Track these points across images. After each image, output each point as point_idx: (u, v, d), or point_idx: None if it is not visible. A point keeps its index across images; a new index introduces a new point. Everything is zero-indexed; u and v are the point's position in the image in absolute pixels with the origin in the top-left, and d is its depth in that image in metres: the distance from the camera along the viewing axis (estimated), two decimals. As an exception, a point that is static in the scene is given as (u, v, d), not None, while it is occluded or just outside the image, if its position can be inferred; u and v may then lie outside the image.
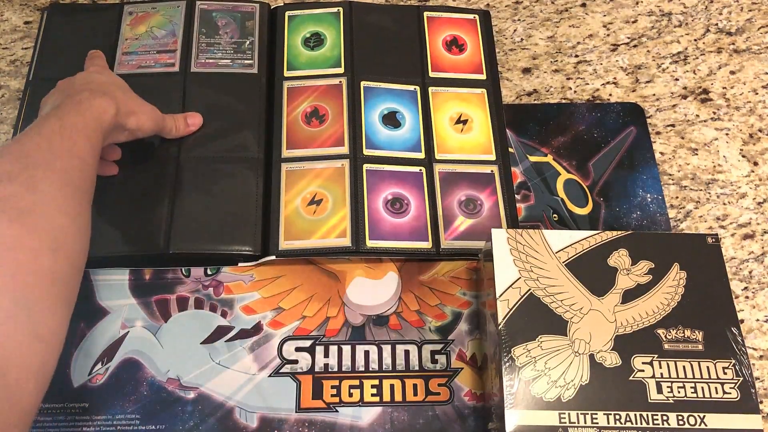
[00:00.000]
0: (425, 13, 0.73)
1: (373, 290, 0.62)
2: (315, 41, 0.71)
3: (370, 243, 0.61)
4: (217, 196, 0.62)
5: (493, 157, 0.66)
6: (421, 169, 0.65)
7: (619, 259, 0.54)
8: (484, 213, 0.63)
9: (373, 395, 0.57)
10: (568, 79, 0.73)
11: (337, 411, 0.56)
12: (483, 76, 0.70)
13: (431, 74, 0.70)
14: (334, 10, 0.72)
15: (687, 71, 0.73)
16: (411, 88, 0.69)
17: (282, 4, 0.74)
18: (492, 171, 0.65)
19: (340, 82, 0.68)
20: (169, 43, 0.69)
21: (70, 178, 0.46)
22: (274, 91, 0.68)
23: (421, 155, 0.66)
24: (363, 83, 0.68)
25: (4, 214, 0.40)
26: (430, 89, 0.69)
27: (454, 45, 0.72)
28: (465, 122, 0.68)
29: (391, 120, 0.67)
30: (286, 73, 0.69)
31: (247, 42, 0.70)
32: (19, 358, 0.38)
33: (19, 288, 0.39)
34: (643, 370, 0.50)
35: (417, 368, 0.58)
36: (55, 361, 0.41)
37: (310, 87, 0.68)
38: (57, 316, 0.41)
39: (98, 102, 0.52)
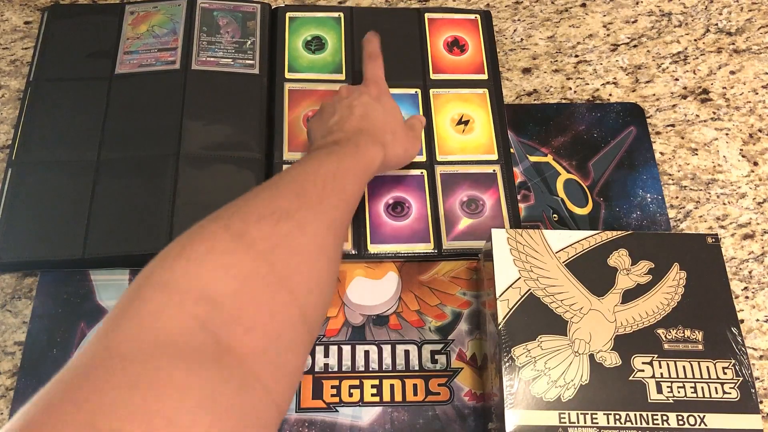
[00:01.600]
0: (426, 15, 0.73)
1: (373, 290, 0.62)
2: (316, 45, 0.71)
3: (372, 247, 0.61)
4: (219, 196, 0.62)
5: (495, 157, 0.66)
6: (422, 172, 0.65)
7: (619, 259, 0.54)
8: (486, 213, 0.63)
9: (373, 395, 0.57)
10: (568, 79, 0.73)
11: (337, 411, 0.56)
12: (485, 76, 0.70)
13: (432, 76, 0.70)
14: (335, 15, 0.72)
15: (687, 71, 0.73)
16: (412, 91, 0.69)
17: (283, 5, 0.74)
18: (494, 171, 0.65)
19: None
20: (170, 41, 0.69)
21: (334, 222, 0.46)
22: (275, 91, 0.68)
23: (423, 158, 0.66)
24: None
25: (279, 250, 0.39)
26: (432, 91, 0.69)
27: (455, 46, 0.72)
28: (466, 123, 0.68)
29: None
30: (287, 75, 0.69)
31: (249, 42, 0.70)
32: (282, 382, 0.38)
33: (275, 329, 0.38)
34: (643, 370, 0.50)
35: (417, 368, 0.58)
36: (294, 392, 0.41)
37: (311, 91, 0.68)
38: (301, 358, 0.41)
39: (372, 151, 0.53)
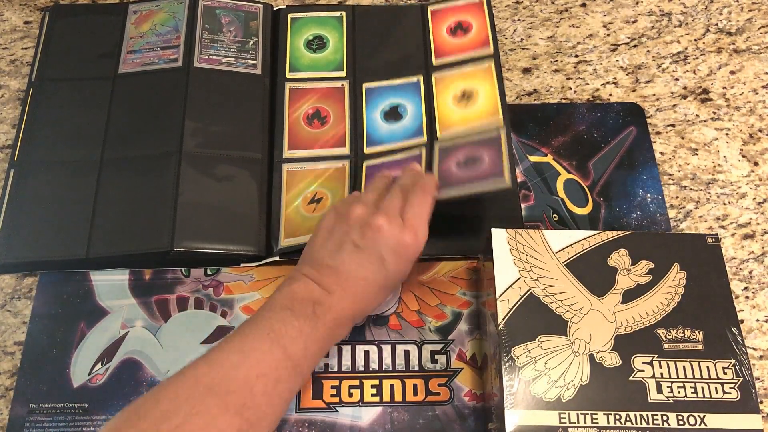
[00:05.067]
0: (429, 8, 0.72)
1: (373, 290, 0.61)
2: (317, 44, 0.71)
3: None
4: (220, 196, 0.62)
5: (499, 122, 0.62)
6: (420, 151, 0.64)
7: (619, 259, 0.54)
8: (485, 165, 0.59)
9: (373, 395, 0.57)
10: (568, 79, 0.73)
11: (337, 411, 0.56)
12: (490, 50, 0.68)
13: (435, 62, 0.69)
14: (337, 14, 0.72)
15: (687, 71, 0.73)
16: (414, 79, 0.68)
17: (284, 6, 0.74)
18: (497, 131, 0.61)
19: (342, 85, 0.68)
20: (173, 38, 0.69)
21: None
22: (276, 91, 0.68)
23: (423, 140, 0.65)
24: (365, 85, 0.68)
25: None
26: (434, 75, 0.68)
27: (459, 29, 0.70)
28: (469, 97, 0.66)
29: (393, 115, 0.67)
30: (288, 75, 0.69)
31: (251, 42, 0.70)
32: None
33: None
34: (643, 370, 0.50)
35: (417, 368, 0.58)
36: None
37: (312, 89, 0.68)
38: None
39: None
